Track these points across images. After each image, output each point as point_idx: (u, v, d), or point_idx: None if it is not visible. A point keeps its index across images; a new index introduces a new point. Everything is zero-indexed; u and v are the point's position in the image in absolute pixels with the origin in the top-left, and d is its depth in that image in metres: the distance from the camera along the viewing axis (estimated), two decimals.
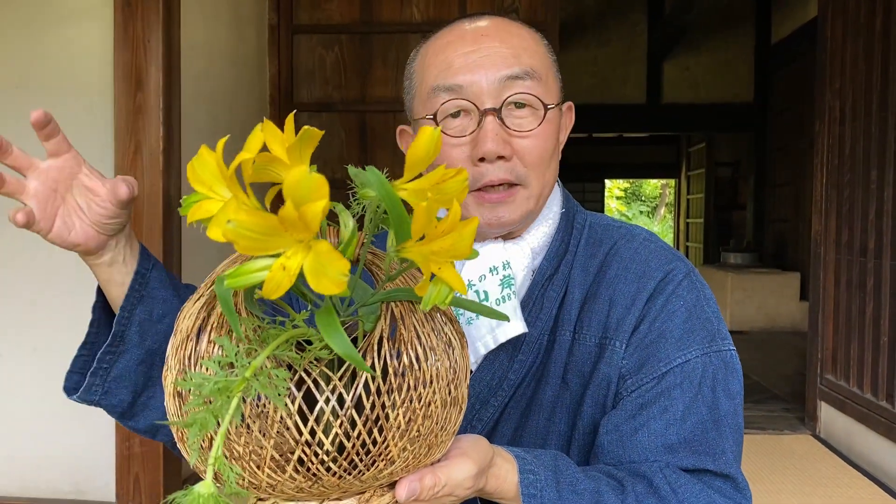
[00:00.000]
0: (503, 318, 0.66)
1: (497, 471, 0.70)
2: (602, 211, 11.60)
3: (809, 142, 6.66)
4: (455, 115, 0.86)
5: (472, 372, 0.87)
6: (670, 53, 7.61)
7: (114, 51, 2.40)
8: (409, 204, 0.51)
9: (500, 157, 0.84)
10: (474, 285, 0.86)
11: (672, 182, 13.39)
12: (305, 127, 0.47)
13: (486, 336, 0.85)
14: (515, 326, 0.84)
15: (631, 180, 18.65)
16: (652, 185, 19.52)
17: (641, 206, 20.06)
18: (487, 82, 0.84)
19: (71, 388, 0.86)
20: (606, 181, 13.63)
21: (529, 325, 0.87)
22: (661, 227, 17.76)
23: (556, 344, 0.88)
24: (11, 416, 2.52)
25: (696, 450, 0.80)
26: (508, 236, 0.90)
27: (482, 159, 0.84)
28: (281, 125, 0.47)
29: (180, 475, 2.56)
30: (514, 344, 0.87)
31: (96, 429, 2.49)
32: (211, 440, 0.49)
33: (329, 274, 0.43)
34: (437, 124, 0.86)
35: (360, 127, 3.59)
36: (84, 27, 2.45)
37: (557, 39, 3.46)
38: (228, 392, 0.45)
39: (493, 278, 0.86)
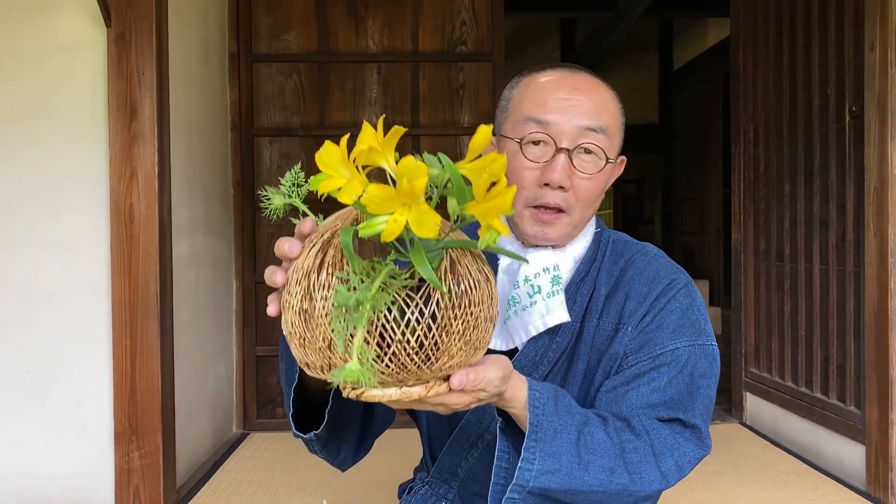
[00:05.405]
0: (522, 259, 0.86)
1: (513, 382, 0.87)
2: None
3: (713, 159, 7.26)
4: (536, 143, 1.05)
5: (517, 349, 1.08)
6: None
7: (108, 81, 2.49)
8: (466, 178, 0.70)
9: (561, 188, 1.03)
10: (530, 280, 1.06)
11: None
12: (395, 126, 0.66)
13: (537, 321, 1.05)
14: (561, 315, 1.05)
15: None
16: None
17: None
18: (569, 126, 1.03)
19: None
20: None
21: None
22: None
23: (584, 329, 1.08)
24: (5, 435, 2.52)
25: (671, 406, 1.01)
26: (557, 246, 1.10)
27: (546, 184, 1.03)
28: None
29: (175, 487, 2.66)
30: (553, 328, 1.07)
31: (94, 443, 2.53)
32: (330, 343, 0.68)
33: (427, 224, 0.63)
34: (521, 146, 1.06)
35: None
36: (76, 59, 2.52)
37: (503, 72, 3.73)
38: (362, 301, 0.63)
39: (545, 276, 1.06)
